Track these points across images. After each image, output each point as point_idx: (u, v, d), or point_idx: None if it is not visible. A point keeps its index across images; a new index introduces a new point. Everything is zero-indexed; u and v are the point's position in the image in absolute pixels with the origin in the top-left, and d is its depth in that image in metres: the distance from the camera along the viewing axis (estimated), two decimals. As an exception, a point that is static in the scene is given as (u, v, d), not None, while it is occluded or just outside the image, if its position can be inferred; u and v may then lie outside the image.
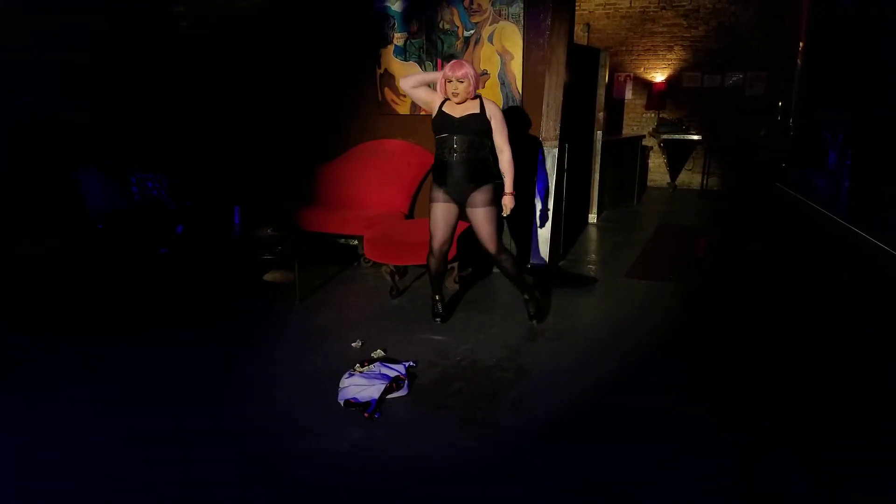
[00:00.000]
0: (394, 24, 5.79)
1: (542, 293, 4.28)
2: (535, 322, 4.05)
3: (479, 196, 3.77)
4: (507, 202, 3.79)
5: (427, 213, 5.12)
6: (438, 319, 4.08)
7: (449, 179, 3.78)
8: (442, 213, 3.85)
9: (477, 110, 3.73)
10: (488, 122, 3.75)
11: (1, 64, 4.73)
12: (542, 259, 5.21)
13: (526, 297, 4.10)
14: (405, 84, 3.88)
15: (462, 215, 3.91)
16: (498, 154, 3.82)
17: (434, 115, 3.80)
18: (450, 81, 3.66)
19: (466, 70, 3.63)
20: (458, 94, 3.66)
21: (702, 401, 3.06)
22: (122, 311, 4.26)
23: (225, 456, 2.58)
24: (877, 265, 2.73)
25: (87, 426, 2.81)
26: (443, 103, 3.78)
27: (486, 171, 3.80)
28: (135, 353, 3.61)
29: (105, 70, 5.36)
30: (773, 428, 2.79)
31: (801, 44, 7.90)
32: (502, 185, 3.85)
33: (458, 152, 3.71)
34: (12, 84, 4.81)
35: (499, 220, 3.88)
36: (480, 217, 3.80)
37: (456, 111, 3.74)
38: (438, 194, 3.84)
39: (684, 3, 9.92)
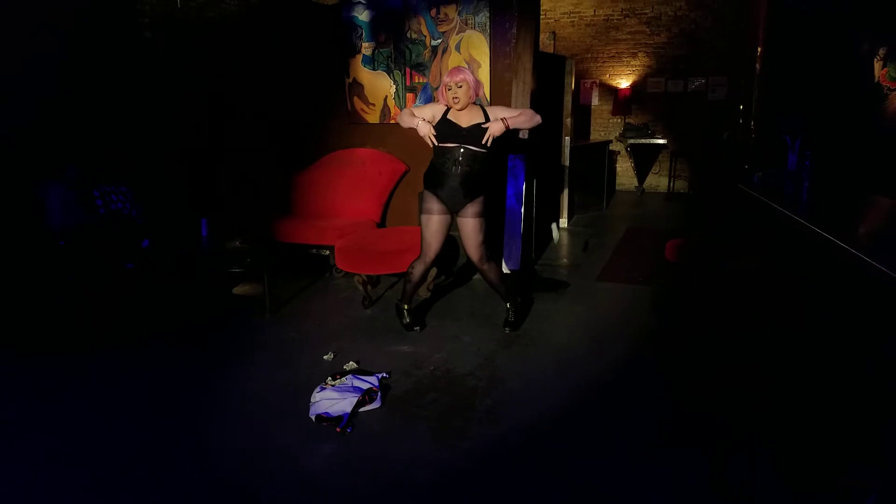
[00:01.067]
0: (361, 33, 5.79)
1: (520, 301, 4.28)
2: (507, 329, 4.05)
3: (472, 207, 3.73)
4: (495, 128, 3.61)
5: (400, 221, 5.11)
6: (417, 328, 4.08)
7: (448, 190, 3.70)
8: (437, 225, 3.78)
9: (482, 119, 3.67)
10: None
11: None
12: (515, 264, 5.23)
13: (507, 305, 4.08)
14: (404, 122, 3.75)
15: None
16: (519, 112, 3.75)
17: (436, 122, 3.69)
18: (449, 88, 3.63)
19: (464, 75, 3.61)
20: (458, 98, 3.61)
21: (676, 403, 3.10)
22: (87, 328, 4.15)
23: (195, 476, 2.52)
24: (836, 261, 2.81)
25: (51, 447, 2.73)
26: (446, 112, 3.71)
27: (484, 184, 3.76)
28: (100, 371, 3.52)
29: (69, 81, 5.24)
30: (746, 428, 2.83)
31: (759, 49, 8.09)
32: (492, 197, 3.86)
33: (461, 164, 3.65)
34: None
35: (487, 231, 3.85)
36: (470, 227, 3.77)
37: (461, 119, 3.68)
38: (434, 205, 3.76)
39: (647, 11, 10.10)
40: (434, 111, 3.73)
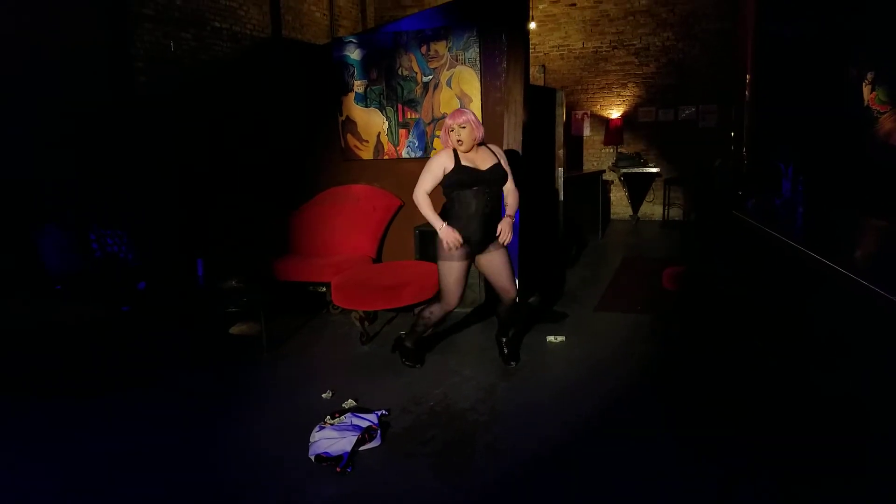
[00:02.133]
0: (353, 71, 5.86)
1: (518, 332, 4.25)
2: (513, 363, 4.04)
3: (495, 241, 3.71)
4: (505, 225, 3.64)
5: (395, 256, 5.11)
6: (419, 365, 4.05)
7: (475, 235, 3.65)
8: (461, 272, 3.70)
9: (495, 160, 3.67)
10: (505, 171, 3.69)
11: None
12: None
13: (504, 339, 4.07)
14: (423, 210, 3.62)
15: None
16: (507, 193, 3.76)
17: (450, 171, 3.60)
18: (452, 130, 3.57)
19: (467, 116, 3.55)
20: (462, 141, 3.55)
21: (678, 433, 3.06)
22: (87, 372, 4.11)
23: (193, 521, 2.47)
24: (833, 285, 2.81)
25: (51, 494, 2.68)
26: (457, 158, 3.62)
27: (499, 219, 3.72)
28: (98, 416, 3.48)
29: (64, 125, 5.29)
30: (751, 456, 2.79)
31: (748, 76, 8.21)
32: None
33: (488, 206, 3.63)
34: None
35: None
36: (500, 260, 3.76)
37: (477, 163, 3.64)
38: (458, 251, 3.64)
39: (635, 42, 10.26)
40: (444, 162, 3.62)
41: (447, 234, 3.57)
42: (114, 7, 5.82)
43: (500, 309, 3.98)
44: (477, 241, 3.66)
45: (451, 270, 3.68)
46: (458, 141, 3.56)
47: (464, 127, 3.54)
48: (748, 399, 3.39)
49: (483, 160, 3.65)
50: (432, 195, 3.64)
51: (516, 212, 3.78)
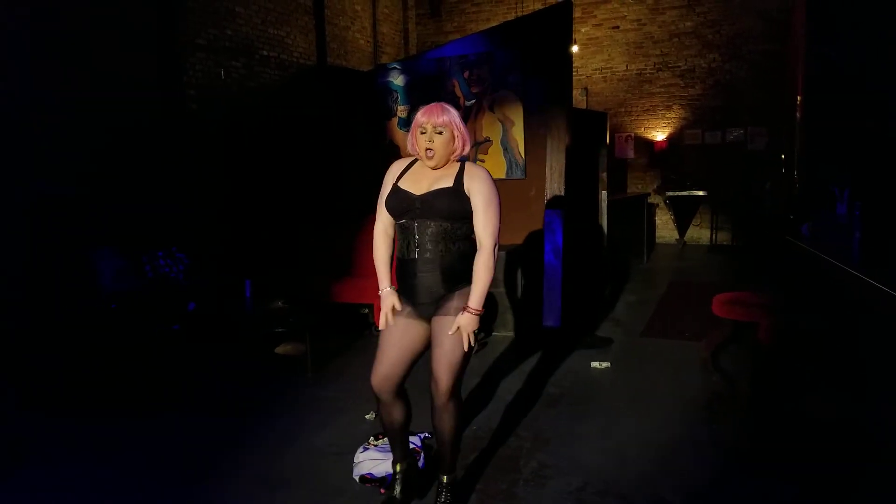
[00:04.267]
0: (397, 97, 5.96)
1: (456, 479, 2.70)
2: None
3: (456, 302, 2.43)
4: (464, 323, 2.36)
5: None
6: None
7: (411, 287, 2.49)
8: (399, 333, 2.52)
9: (450, 183, 2.41)
10: (467, 200, 2.40)
11: (14, 147, 4.86)
12: (555, 321, 5.16)
13: (444, 478, 2.62)
14: (376, 230, 2.62)
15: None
16: (477, 259, 2.40)
17: (387, 188, 2.53)
18: (423, 132, 2.43)
19: (448, 117, 2.42)
20: (432, 151, 2.41)
21: (731, 466, 2.96)
22: (136, 390, 4.21)
23: (238, 541, 2.49)
24: (892, 313, 2.70)
25: (96, 514, 2.74)
26: (403, 172, 2.53)
27: (467, 269, 2.44)
28: (146, 433, 3.55)
29: (118, 150, 5.50)
30: (810, 495, 2.68)
31: (798, 98, 8.04)
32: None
33: (421, 247, 2.42)
34: (24, 167, 4.94)
35: (468, 356, 2.47)
36: (443, 339, 2.42)
37: (420, 184, 2.46)
38: (400, 305, 2.54)
39: (680, 64, 10.17)
40: (391, 177, 2.56)
41: (381, 301, 2.55)
42: (168, 37, 6.06)
43: (431, 405, 2.54)
44: (419, 294, 2.47)
45: (387, 330, 2.54)
46: (429, 151, 2.42)
47: (440, 131, 2.41)
48: (796, 432, 3.27)
49: (432, 180, 2.45)
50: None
51: (482, 299, 2.38)
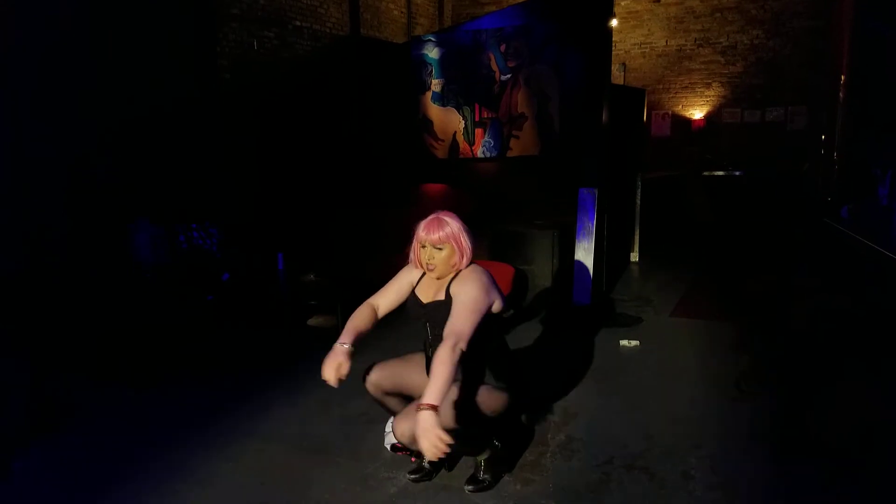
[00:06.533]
0: (431, 70, 5.94)
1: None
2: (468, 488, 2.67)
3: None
4: (420, 419, 2.11)
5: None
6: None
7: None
8: (417, 369, 2.70)
9: (443, 296, 2.53)
10: (446, 312, 2.44)
11: (53, 123, 4.98)
12: (585, 298, 5.16)
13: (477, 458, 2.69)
14: (364, 304, 2.78)
15: None
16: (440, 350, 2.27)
17: (400, 288, 2.73)
18: (423, 247, 2.53)
19: (449, 231, 2.50)
20: (433, 267, 2.51)
21: (762, 445, 2.96)
22: (170, 359, 4.34)
23: (273, 499, 2.58)
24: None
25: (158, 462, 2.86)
26: (421, 276, 2.68)
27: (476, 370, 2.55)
28: (180, 400, 3.66)
29: (151, 122, 5.59)
30: (834, 469, 2.67)
31: (842, 77, 7.80)
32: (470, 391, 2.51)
33: (434, 346, 2.42)
34: (63, 142, 5.05)
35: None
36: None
37: (428, 292, 2.62)
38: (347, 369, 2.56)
39: (721, 40, 9.93)
40: (411, 277, 2.71)
41: (332, 352, 2.56)
42: (201, 6, 6.08)
43: None
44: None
45: (413, 358, 2.79)
46: (429, 266, 2.52)
47: (440, 248, 2.50)
48: (827, 417, 3.24)
49: (438, 289, 2.59)
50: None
51: (439, 395, 2.17)
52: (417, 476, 2.71)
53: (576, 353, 4.25)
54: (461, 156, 5.91)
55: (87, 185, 5.12)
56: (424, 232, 2.51)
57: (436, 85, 5.93)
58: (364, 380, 2.68)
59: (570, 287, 5.23)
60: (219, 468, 2.86)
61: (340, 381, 2.52)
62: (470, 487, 2.62)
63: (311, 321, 5.13)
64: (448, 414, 2.31)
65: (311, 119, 6.98)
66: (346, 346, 2.55)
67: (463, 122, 5.85)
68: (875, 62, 6.75)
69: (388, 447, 2.94)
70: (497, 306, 2.54)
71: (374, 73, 6.47)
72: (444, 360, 2.22)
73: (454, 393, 2.42)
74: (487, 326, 2.47)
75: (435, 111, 5.98)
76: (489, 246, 5.33)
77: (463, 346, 2.28)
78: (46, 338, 4.30)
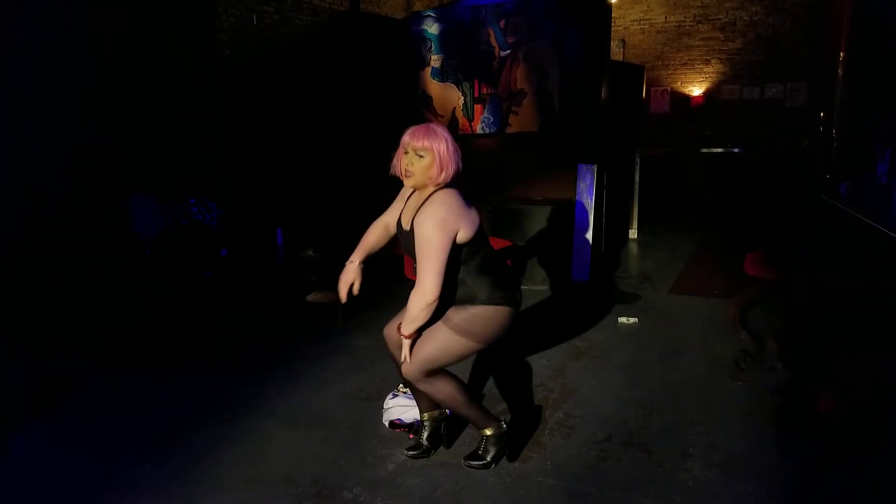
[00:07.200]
0: (431, 46, 5.87)
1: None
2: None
3: (449, 313, 2.47)
4: (405, 349, 2.45)
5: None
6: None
7: None
8: None
9: (409, 225, 2.47)
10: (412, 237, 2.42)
11: (54, 97, 4.92)
12: (584, 275, 5.17)
13: (481, 432, 2.65)
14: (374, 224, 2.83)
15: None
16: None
17: (396, 206, 2.74)
18: (406, 153, 2.42)
19: (432, 142, 2.37)
20: (410, 174, 2.41)
21: (757, 419, 2.99)
22: (169, 336, 4.34)
23: (273, 475, 2.60)
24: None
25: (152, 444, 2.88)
26: (411, 195, 2.59)
27: (466, 290, 2.48)
28: (179, 378, 3.67)
29: (151, 97, 5.53)
30: (836, 447, 2.70)
31: (841, 54, 7.74)
32: (490, 307, 2.46)
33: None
34: (63, 118, 5.00)
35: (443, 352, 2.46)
36: (428, 327, 2.45)
37: (408, 216, 2.51)
38: (358, 288, 2.76)
39: (721, 17, 9.84)
40: (403, 193, 2.69)
41: (344, 271, 2.70)
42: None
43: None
44: None
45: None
46: (407, 172, 2.42)
47: (421, 155, 2.38)
48: (826, 394, 3.27)
49: (410, 215, 2.50)
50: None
51: (409, 327, 2.38)
52: (416, 453, 2.73)
53: (574, 329, 4.27)
54: (460, 132, 5.87)
55: (87, 160, 5.08)
56: (409, 136, 2.41)
57: (435, 61, 5.87)
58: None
59: (568, 264, 5.24)
60: (218, 445, 2.87)
61: (353, 296, 2.66)
62: (470, 463, 2.63)
63: (310, 297, 5.13)
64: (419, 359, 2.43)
65: (311, 94, 6.91)
66: (355, 263, 2.69)
67: (462, 97, 5.81)
68: (875, 38, 6.70)
69: (387, 424, 2.97)
70: (462, 236, 2.38)
71: (373, 49, 6.40)
72: (415, 301, 2.35)
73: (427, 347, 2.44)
74: (454, 258, 2.40)
75: (434, 87, 5.93)
76: (488, 222, 5.32)
77: (430, 297, 2.32)
78: (45, 316, 4.29)
